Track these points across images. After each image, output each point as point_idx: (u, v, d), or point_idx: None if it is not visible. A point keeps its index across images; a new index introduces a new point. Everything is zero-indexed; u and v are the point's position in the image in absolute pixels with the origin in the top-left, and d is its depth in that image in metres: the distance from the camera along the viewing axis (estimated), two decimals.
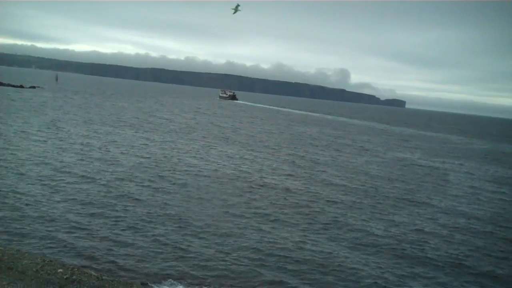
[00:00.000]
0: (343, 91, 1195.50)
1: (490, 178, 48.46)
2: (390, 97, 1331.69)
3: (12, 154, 34.56)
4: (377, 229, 25.19)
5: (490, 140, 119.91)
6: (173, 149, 45.90)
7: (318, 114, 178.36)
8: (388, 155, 59.26)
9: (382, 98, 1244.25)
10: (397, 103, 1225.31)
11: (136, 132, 56.28)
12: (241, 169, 38.56)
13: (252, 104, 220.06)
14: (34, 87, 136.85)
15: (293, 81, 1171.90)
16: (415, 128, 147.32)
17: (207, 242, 20.65)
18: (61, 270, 16.04)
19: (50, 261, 16.82)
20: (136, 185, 29.56)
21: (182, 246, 19.84)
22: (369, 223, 26.18)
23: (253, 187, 32.20)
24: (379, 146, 70.32)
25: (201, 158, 42.26)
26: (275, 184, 34.04)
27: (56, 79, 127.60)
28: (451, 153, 71.75)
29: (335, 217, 26.80)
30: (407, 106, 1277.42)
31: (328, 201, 30.51)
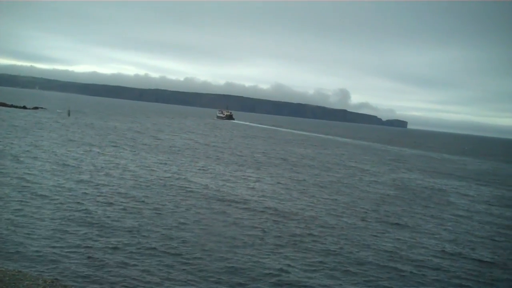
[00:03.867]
0: (344, 111, 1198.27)
1: (491, 200, 48.41)
2: (392, 118, 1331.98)
3: (15, 173, 34.81)
4: (369, 254, 25.18)
5: (493, 160, 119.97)
6: (168, 170, 46.04)
7: (318, 135, 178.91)
8: (388, 176, 59.31)
9: (383, 119, 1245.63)
10: (398, 123, 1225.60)
11: (135, 153, 56.55)
12: (235, 191, 38.60)
13: (249, 123, 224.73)
14: (37, 108, 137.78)
15: (295, 102, 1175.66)
16: (417, 148, 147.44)
17: (214, 270, 20.66)
18: None
19: (52, 282, 16.94)
20: (139, 205, 29.67)
21: (189, 271, 19.87)
22: (363, 246, 26.20)
23: (250, 210, 32.25)
24: (380, 167, 70.44)
25: (196, 179, 42.36)
26: (269, 206, 34.10)
27: (69, 114, 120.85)
28: (453, 173, 71.77)
29: (331, 242, 26.82)
30: (409, 126, 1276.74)
31: (323, 226, 30.48)
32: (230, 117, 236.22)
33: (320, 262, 22.42)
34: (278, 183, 44.48)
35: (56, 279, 17.44)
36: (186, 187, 37.21)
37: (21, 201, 27.84)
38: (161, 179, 39.65)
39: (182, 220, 27.29)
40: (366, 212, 34.64)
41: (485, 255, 26.51)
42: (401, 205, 39.28)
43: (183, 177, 42.15)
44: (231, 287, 18.57)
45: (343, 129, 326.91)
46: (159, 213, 28.39)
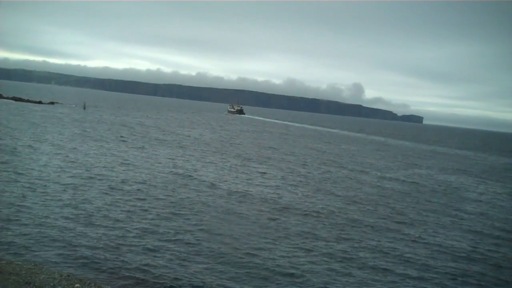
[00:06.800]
0: (359, 106, 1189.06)
1: (504, 198, 47.53)
2: (407, 113, 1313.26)
3: (33, 168, 34.92)
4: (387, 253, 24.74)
5: (509, 157, 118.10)
6: (176, 165, 45.94)
7: (333, 130, 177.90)
8: (402, 173, 58.60)
9: (399, 114, 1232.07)
10: (414, 118, 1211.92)
11: (145, 148, 56.64)
12: (240, 186, 38.33)
13: (259, 118, 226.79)
14: (53, 103, 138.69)
15: (309, 97, 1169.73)
16: (435, 144, 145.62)
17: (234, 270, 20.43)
18: (78, 285, 16.03)
19: (68, 275, 16.83)
20: (156, 199, 29.57)
21: (205, 272, 19.65)
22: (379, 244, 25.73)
23: (257, 205, 31.94)
24: (395, 163, 69.67)
25: (203, 173, 42.18)
26: (277, 202, 33.77)
27: (84, 108, 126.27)
28: (467, 170, 70.67)
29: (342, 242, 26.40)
30: (424, 122, 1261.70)
31: (334, 223, 30.08)
32: (240, 111, 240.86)
33: (327, 259, 22.06)
34: (287, 178, 44.02)
35: (72, 273, 17.34)
36: (194, 182, 37.06)
37: (32, 196, 27.84)
38: (170, 175, 39.54)
39: (194, 218, 27.13)
40: (379, 211, 34.10)
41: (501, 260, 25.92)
42: (415, 203, 38.59)
43: (191, 171, 42.03)
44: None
45: (358, 124, 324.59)
46: (170, 209, 28.23)
